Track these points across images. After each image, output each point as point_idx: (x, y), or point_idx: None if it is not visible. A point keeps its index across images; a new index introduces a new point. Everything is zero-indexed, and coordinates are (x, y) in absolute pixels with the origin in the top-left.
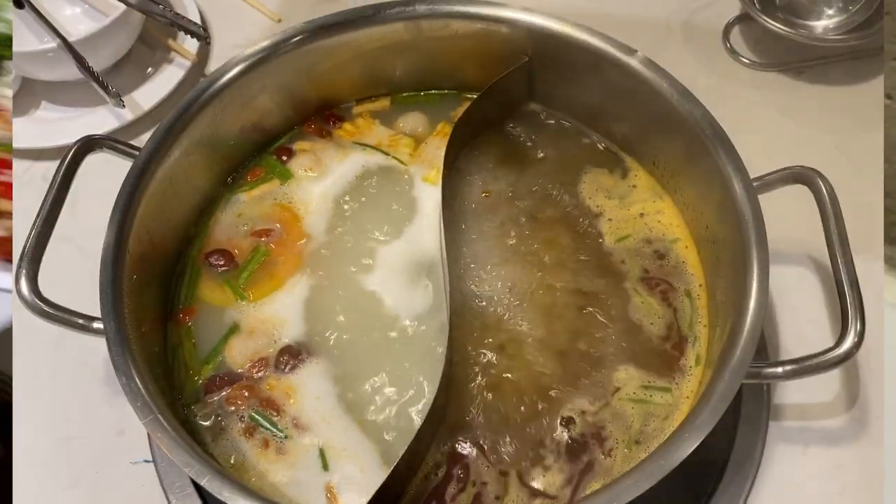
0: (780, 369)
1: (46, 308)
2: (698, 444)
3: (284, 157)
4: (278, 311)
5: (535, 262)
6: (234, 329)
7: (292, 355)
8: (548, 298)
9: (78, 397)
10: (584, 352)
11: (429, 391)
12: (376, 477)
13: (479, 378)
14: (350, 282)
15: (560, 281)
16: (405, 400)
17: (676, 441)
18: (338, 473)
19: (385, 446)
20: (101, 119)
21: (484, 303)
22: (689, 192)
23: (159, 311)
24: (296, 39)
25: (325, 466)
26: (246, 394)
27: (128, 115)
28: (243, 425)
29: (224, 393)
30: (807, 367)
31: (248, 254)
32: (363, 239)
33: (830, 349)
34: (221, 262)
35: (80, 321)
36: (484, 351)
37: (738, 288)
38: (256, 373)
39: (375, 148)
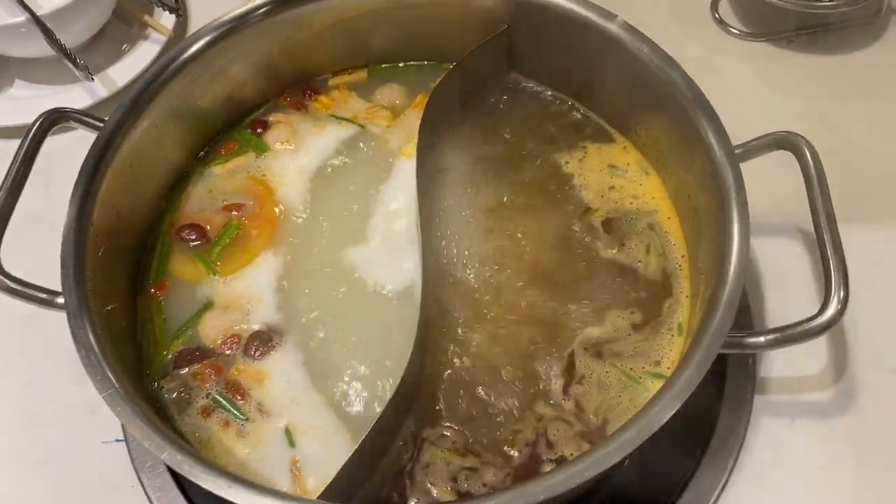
0: (762, 338)
1: (8, 282)
2: (673, 412)
3: (259, 130)
4: (250, 287)
5: (515, 238)
6: (208, 305)
7: (262, 342)
8: (526, 273)
9: (48, 376)
10: (564, 324)
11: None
12: (344, 456)
13: (455, 356)
14: (325, 257)
15: (541, 257)
16: (379, 379)
17: (651, 410)
18: (304, 451)
19: (355, 425)
20: (76, 96)
21: (462, 277)
22: (672, 161)
23: (129, 286)
24: (265, 9)
25: (292, 443)
26: (213, 375)
27: (102, 91)
28: (202, 405)
29: (195, 367)
30: (789, 335)
31: (220, 228)
32: (339, 214)
33: (813, 317)
34: (193, 237)
35: (43, 296)
36: (460, 329)
37: (717, 256)
38: (227, 350)
39: (352, 121)
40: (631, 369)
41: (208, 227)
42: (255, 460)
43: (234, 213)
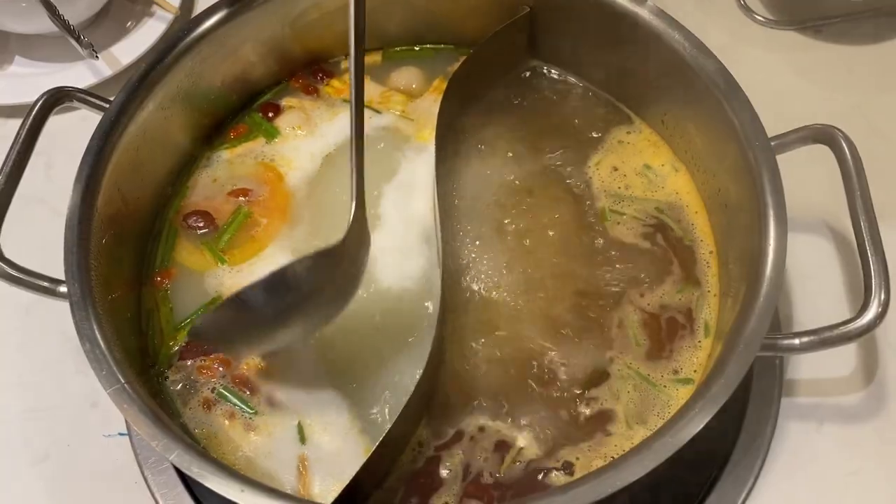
0: (796, 341)
1: (9, 270)
2: (708, 420)
3: (271, 114)
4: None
5: (536, 231)
6: (217, 299)
7: None
8: (548, 274)
9: (50, 367)
10: (585, 325)
11: (420, 366)
12: (357, 454)
13: (475, 350)
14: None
15: (561, 258)
16: (396, 375)
17: (685, 417)
18: (313, 448)
19: (370, 424)
20: (78, 75)
21: (480, 271)
22: (702, 154)
23: (134, 275)
24: None
25: (303, 439)
26: (221, 368)
27: (106, 70)
28: (206, 397)
29: (202, 360)
30: (826, 338)
31: (228, 216)
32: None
33: (851, 320)
34: (201, 224)
35: (45, 284)
36: (480, 323)
37: (753, 253)
38: None
39: (365, 106)
40: (649, 375)
41: (216, 214)
42: (262, 455)
43: (242, 198)
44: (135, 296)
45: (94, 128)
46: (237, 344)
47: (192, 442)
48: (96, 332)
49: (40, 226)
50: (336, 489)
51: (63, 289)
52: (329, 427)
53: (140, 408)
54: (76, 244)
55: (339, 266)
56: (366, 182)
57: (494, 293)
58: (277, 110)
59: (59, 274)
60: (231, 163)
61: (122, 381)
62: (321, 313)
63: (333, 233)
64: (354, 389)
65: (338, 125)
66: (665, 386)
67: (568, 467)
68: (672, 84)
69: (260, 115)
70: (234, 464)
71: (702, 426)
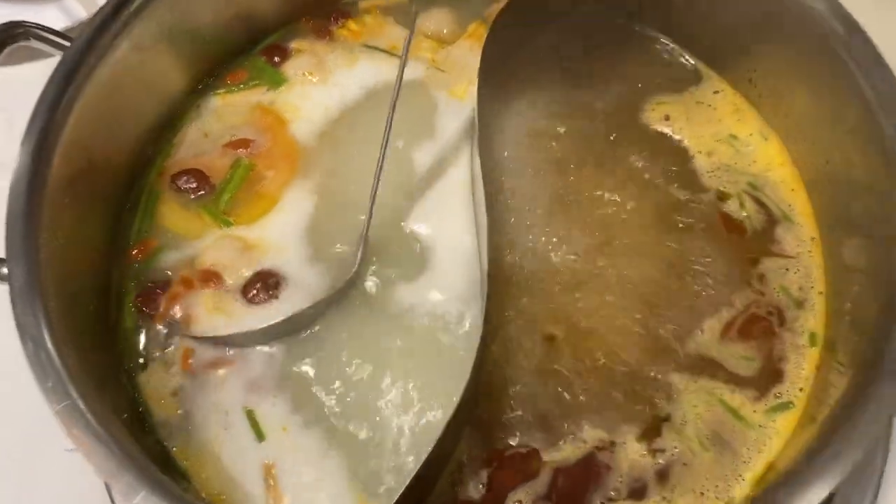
0: None
1: None
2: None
3: (277, 59)
4: (273, 236)
5: (599, 208)
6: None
7: (266, 286)
8: (618, 260)
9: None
10: (663, 336)
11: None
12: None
13: (524, 360)
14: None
15: (632, 250)
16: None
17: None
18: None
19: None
20: (51, 16)
21: (533, 258)
22: (802, 117)
23: (102, 251)
24: None
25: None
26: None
27: (80, 12)
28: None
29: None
30: None
31: (225, 171)
32: (368, 164)
33: None
34: (193, 185)
35: None
36: (531, 324)
37: (888, 244)
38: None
39: (388, 52)
40: (738, 408)
41: (210, 173)
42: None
43: (242, 150)
44: (102, 278)
45: None
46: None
47: (160, 474)
48: (43, 330)
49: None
50: None
51: (4, 269)
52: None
53: (96, 434)
54: (22, 215)
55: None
56: (391, 150)
57: (557, 287)
58: (285, 54)
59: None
60: (223, 112)
61: (75, 396)
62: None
63: (356, 187)
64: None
65: (358, 74)
66: (761, 425)
67: None
68: (765, 32)
69: (264, 59)
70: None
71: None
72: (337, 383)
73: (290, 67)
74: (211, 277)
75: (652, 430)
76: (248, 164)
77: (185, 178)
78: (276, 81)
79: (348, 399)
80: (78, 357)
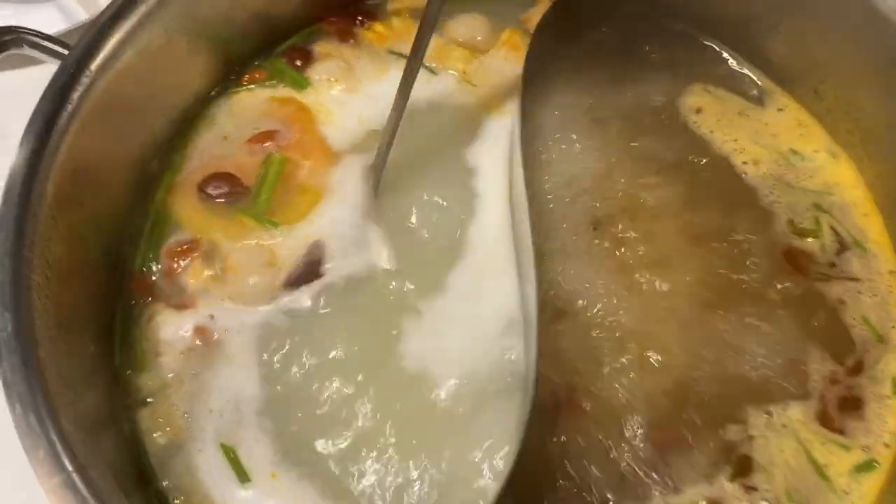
0: None
1: None
2: None
3: (299, 62)
4: (323, 228)
5: (654, 246)
6: None
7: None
8: (675, 297)
9: None
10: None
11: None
12: None
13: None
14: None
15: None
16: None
17: None
18: None
19: None
20: (48, 18)
21: (585, 300)
22: (877, 133)
23: (103, 287)
24: None
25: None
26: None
27: (80, 14)
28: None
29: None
30: None
31: (258, 169)
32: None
33: None
34: (224, 190)
35: None
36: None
37: None
38: None
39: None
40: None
41: (240, 174)
42: None
43: (269, 143)
44: (104, 316)
45: None
46: None
47: None
48: (36, 391)
49: None
50: None
51: None
52: None
53: None
54: (10, 252)
55: None
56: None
57: (620, 330)
58: (308, 57)
59: None
60: (236, 110)
61: (70, 469)
62: None
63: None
64: None
65: (389, 87)
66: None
67: None
68: (838, 38)
69: (284, 60)
70: None
71: None
72: None
73: (315, 72)
74: None
75: None
76: (282, 158)
77: (213, 184)
78: (300, 84)
79: None
80: (73, 417)
